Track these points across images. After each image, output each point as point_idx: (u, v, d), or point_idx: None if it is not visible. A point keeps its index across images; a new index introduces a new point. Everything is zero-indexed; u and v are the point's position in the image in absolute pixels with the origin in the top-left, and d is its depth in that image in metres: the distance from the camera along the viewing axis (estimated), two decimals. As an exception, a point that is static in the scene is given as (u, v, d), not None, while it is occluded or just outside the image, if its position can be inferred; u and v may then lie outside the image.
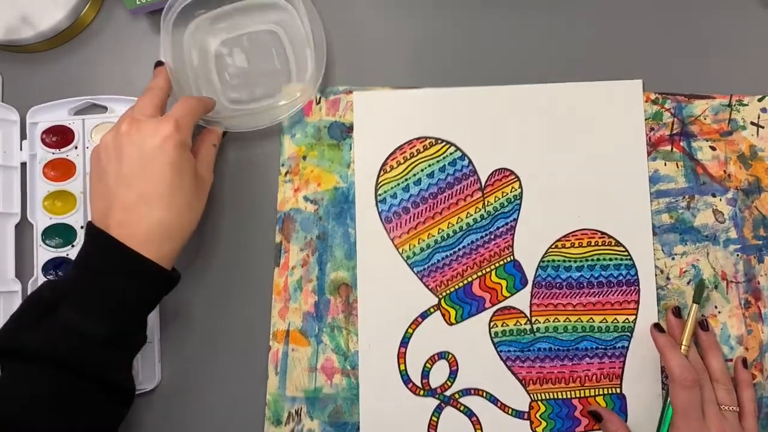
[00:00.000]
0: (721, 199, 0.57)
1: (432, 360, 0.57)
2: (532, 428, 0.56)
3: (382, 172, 0.59)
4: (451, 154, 0.59)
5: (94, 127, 0.60)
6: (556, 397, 0.56)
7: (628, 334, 0.56)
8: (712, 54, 0.59)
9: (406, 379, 0.57)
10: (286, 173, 0.59)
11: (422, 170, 0.59)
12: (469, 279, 0.57)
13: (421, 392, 0.57)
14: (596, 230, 0.57)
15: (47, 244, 0.59)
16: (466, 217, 0.58)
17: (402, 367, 0.57)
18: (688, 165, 0.58)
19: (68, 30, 0.62)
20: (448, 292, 0.57)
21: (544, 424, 0.56)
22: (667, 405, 0.53)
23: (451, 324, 0.57)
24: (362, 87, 0.60)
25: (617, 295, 0.56)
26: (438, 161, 0.59)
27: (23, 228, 0.60)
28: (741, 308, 0.56)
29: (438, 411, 0.56)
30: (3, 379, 0.47)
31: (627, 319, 0.56)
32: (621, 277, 0.57)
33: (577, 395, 0.56)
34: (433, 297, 0.57)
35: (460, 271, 0.57)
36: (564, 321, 0.56)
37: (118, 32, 0.63)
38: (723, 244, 0.57)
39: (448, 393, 0.57)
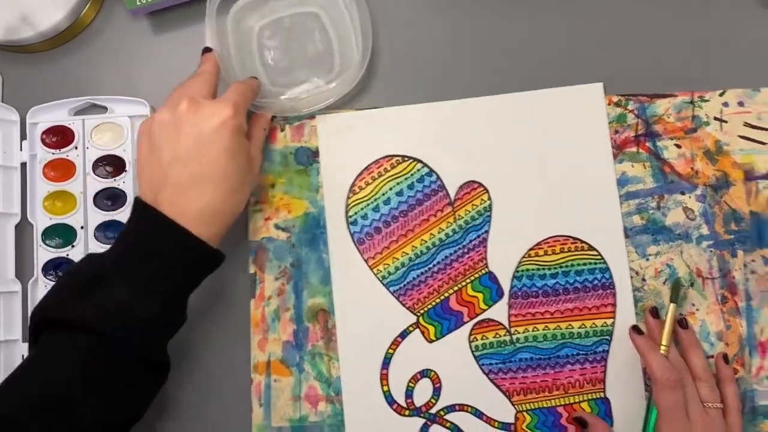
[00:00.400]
0: (690, 197, 0.57)
1: (415, 379, 0.57)
2: (519, 440, 0.56)
3: (351, 194, 0.59)
4: (418, 170, 0.59)
5: (94, 127, 0.61)
6: (541, 406, 0.56)
7: (607, 337, 0.56)
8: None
9: (390, 400, 0.57)
10: (255, 202, 0.59)
11: (391, 189, 0.58)
12: (446, 294, 0.57)
13: (407, 412, 0.57)
14: (568, 236, 0.57)
15: (47, 245, 0.59)
16: (438, 233, 0.58)
17: (385, 388, 0.57)
18: (655, 165, 0.58)
19: (68, 30, 0.62)
20: (425, 309, 0.57)
21: (531, 434, 0.56)
22: (650, 406, 0.53)
23: (431, 341, 0.57)
24: (325, 111, 0.60)
25: (594, 300, 0.56)
26: (406, 179, 0.59)
27: (23, 228, 0.61)
28: (718, 304, 0.56)
29: (424, 430, 0.56)
30: (45, 350, 0.47)
31: (605, 322, 0.56)
32: (596, 282, 0.57)
33: (562, 403, 0.56)
34: (411, 315, 0.57)
35: (436, 287, 0.57)
36: (543, 329, 0.56)
37: (118, 32, 0.63)
38: (696, 242, 0.57)
39: (433, 411, 0.56)
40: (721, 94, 0.58)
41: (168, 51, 0.62)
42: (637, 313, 0.56)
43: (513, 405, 0.56)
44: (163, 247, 0.49)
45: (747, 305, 0.56)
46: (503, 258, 0.57)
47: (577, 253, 0.57)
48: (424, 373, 0.57)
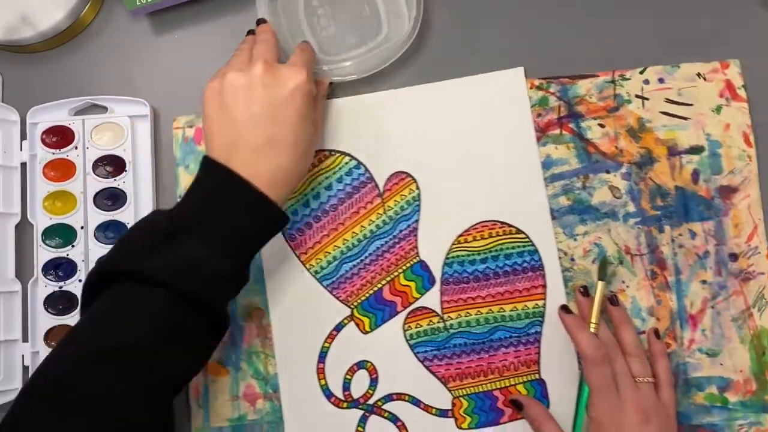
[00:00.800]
0: (615, 175, 0.58)
1: (351, 371, 0.57)
2: (457, 425, 0.56)
3: (280, 191, 0.59)
4: (346, 164, 0.59)
5: (94, 127, 0.61)
6: (477, 391, 0.56)
7: (539, 319, 0.57)
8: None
9: (328, 393, 0.57)
10: (186, 204, 0.59)
11: (320, 183, 0.59)
12: (379, 285, 0.58)
13: (344, 405, 0.57)
14: (496, 221, 0.57)
15: (47, 244, 0.59)
16: (369, 225, 0.58)
17: (322, 382, 0.57)
18: (579, 145, 0.58)
19: (68, 30, 0.62)
20: (359, 301, 0.57)
21: (468, 419, 0.56)
22: (582, 384, 0.54)
23: (365, 332, 0.57)
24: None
25: (524, 282, 0.57)
26: (334, 173, 0.59)
27: (23, 228, 0.61)
28: (648, 279, 0.57)
29: (363, 421, 0.56)
30: (119, 301, 0.46)
31: (537, 304, 0.57)
32: (525, 264, 0.57)
33: (498, 386, 0.56)
34: (345, 308, 0.57)
35: (369, 278, 0.58)
36: (475, 314, 0.57)
37: (118, 32, 0.63)
38: (623, 219, 0.57)
39: (371, 401, 0.57)
40: (641, 72, 0.59)
41: (168, 51, 0.63)
42: (567, 293, 0.57)
43: (449, 391, 0.56)
44: (239, 207, 0.49)
45: (676, 279, 0.57)
46: (434, 246, 0.58)
47: (505, 237, 0.57)
48: (361, 365, 0.57)
